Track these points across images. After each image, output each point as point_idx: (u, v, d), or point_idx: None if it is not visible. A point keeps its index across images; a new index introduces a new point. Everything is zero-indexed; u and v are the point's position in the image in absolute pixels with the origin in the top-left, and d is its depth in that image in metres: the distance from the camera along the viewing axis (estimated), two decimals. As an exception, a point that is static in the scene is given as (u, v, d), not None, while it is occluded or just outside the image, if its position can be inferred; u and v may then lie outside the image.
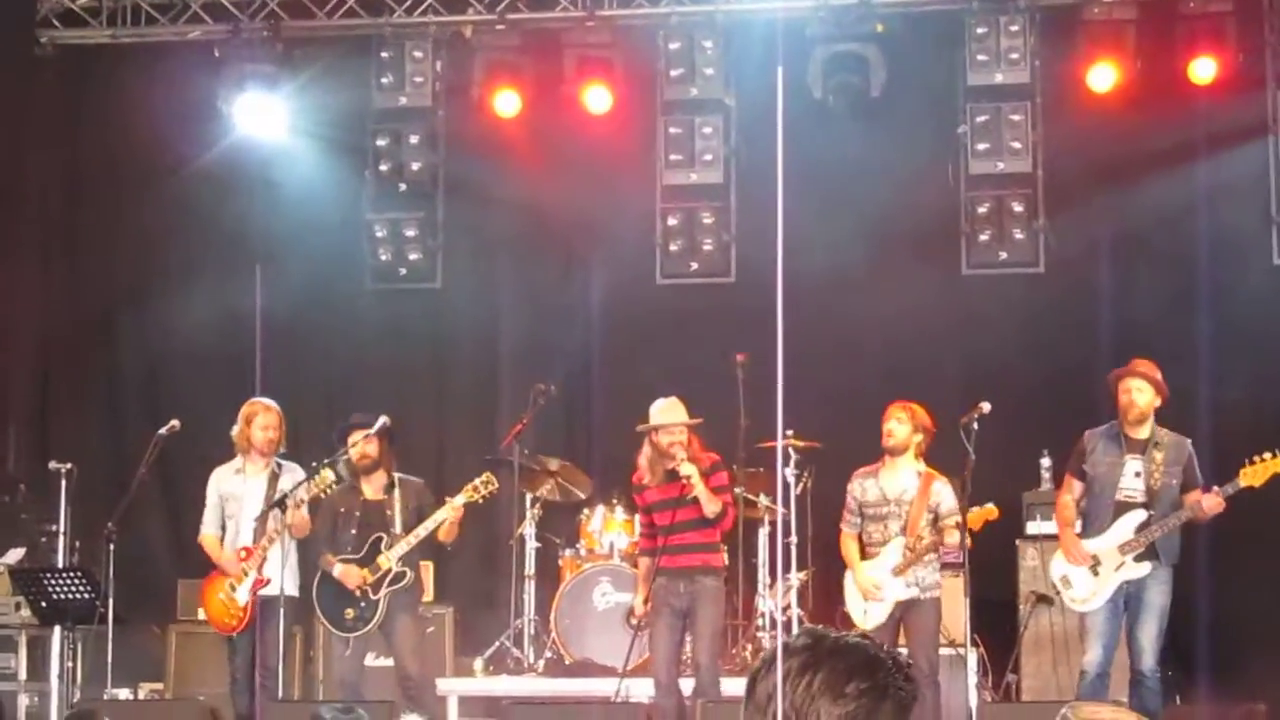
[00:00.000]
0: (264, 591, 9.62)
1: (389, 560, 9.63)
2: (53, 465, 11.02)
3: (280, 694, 9.67)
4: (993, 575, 10.76)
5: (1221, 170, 11.83)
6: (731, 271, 12.19)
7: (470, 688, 10.89)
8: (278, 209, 12.53)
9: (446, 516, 9.65)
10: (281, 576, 9.55)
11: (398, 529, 9.71)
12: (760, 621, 11.04)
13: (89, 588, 10.12)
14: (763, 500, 11.12)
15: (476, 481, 9.72)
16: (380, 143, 12.41)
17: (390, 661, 10.02)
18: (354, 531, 9.74)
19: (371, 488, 9.84)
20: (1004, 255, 11.83)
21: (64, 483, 10.86)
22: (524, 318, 13.02)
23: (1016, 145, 11.66)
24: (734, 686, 9.18)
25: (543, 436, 11.95)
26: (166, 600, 11.58)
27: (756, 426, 10.45)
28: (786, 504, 10.67)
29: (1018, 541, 11.10)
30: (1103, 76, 11.84)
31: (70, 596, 10.17)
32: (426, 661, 10.16)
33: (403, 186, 12.45)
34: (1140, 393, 9.16)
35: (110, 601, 10.00)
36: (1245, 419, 10.90)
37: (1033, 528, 11.12)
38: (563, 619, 10.93)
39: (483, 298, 13.03)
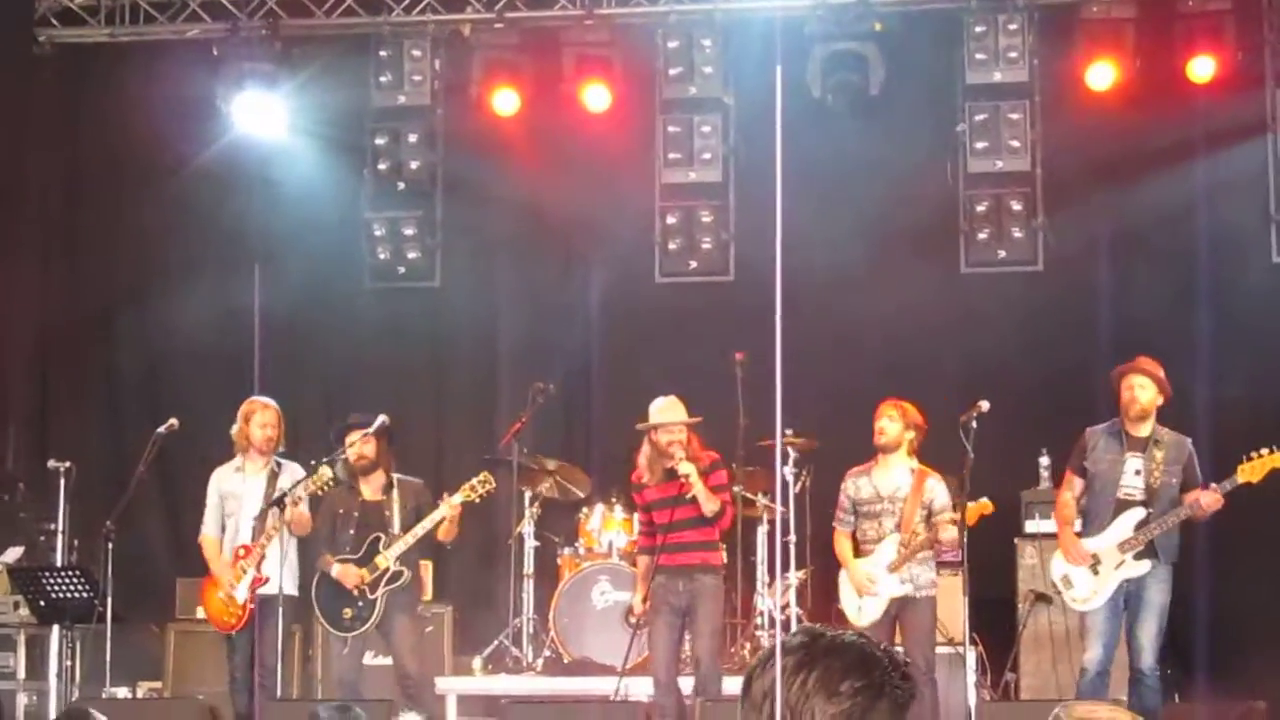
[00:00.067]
0: (263, 590, 9.61)
1: (386, 560, 9.63)
2: (51, 464, 11.02)
3: (279, 693, 9.68)
4: (991, 574, 10.77)
5: (1220, 169, 11.83)
6: (730, 270, 12.19)
7: (469, 686, 10.89)
8: (276, 208, 12.52)
9: (444, 515, 9.65)
10: (280, 575, 9.55)
11: (396, 529, 9.72)
12: (759, 620, 11.04)
13: (88, 586, 10.12)
14: (761, 499, 11.12)
15: (474, 481, 9.72)
16: (379, 141, 12.41)
17: (389, 660, 10.03)
18: (352, 532, 9.74)
19: (370, 488, 9.85)
20: (1003, 254, 11.83)
21: (63, 481, 10.85)
22: (523, 316, 13.02)
23: (1015, 144, 11.66)
24: (733, 685, 9.18)
25: (541, 435, 11.95)
26: (165, 599, 11.58)
27: (755, 425, 10.45)
28: (785, 503, 10.66)
29: (1016, 540, 11.10)
30: (1101, 75, 11.84)
31: (69, 595, 10.17)
32: (425, 660, 10.16)
33: (401, 185, 12.44)
34: (1143, 390, 9.16)
35: (109, 600, 10.00)
36: (1244, 416, 10.90)
37: (1031, 526, 11.13)
38: (561, 618, 10.93)
39: (481, 296, 13.03)
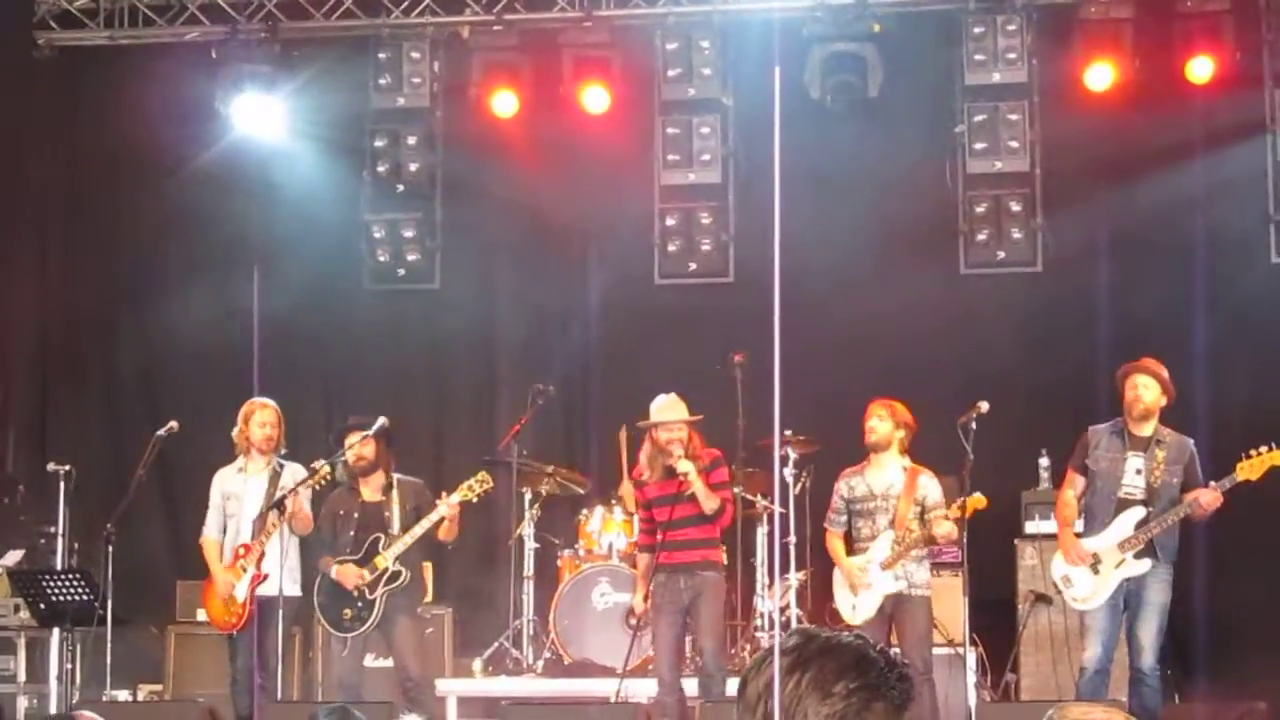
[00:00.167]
0: (263, 592, 9.61)
1: (385, 560, 9.64)
2: (51, 466, 11.03)
3: (279, 695, 9.68)
4: (991, 574, 10.78)
5: (1219, 169, 11.83)
6: (730, 271, 12.19)
7: (469, 688, 10.88)
8: (276, 210, 12.53)
9: (442, 515, 9.65)
10: (280, 577, 9.55)
11: (395, 529, 9.72)
12: (759, 622, 11.04)
13: (88, 589, 10.12)
14: (761, 500, 11.12)
15: (471, 481, 9.72)
16: (378, 143, 12.41)
17: (389, 662, 10.03)
18: (353, 533, 9.75)
19: (370, 489, 9.85)
20: (1002, 255, 11.84)
21: (63, 484, 10.87)
22: (522, 318, 13.03)
23: (1014, 144, 11.67)
24: (734, 687, 9.17)
25: (541, 436, 11.96)
26: (165, 601, 11.57)
27: (754, 426, 10.45)
28: (785, 504, 10.66)
29: (1016, 541, 11.10)
30: (1100, 76, 11.84)
31: (69, 598, 10.17)
32: (426, 662, 10.15)
33: (401, 187, 12.44)
34: (1146, 389, 9.17)
35: (109, 603, 10.01)
36: (1243, 416, 10.92)
37: (1031, 527, 11.13)
38: (561, 619, 10.93)
39: (481, 298, 13.03)
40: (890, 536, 9.38)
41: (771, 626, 10.71)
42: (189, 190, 12.58)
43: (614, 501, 11.36)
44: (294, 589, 9.79)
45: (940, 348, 11.85)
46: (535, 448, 11.68)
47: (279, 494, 9.61)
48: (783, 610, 10.56)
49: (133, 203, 12.94)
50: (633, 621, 10.13)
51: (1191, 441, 9.24)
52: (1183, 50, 11.75)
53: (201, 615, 10.57)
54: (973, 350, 11.71)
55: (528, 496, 11.44)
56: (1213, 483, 9.01)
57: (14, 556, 11.56)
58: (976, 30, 11.66)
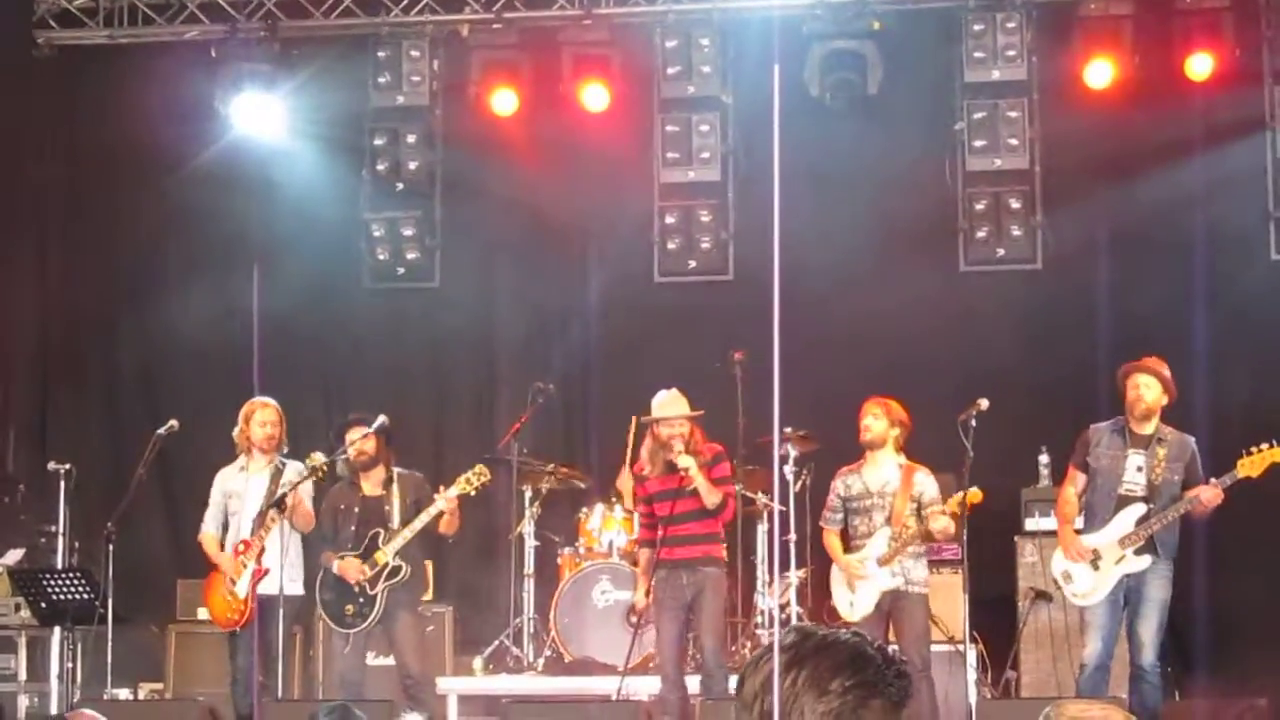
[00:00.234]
0: (264, 591, 9.62)
1: (385, 555, 9.64)
2: (51, 466, 11.04)
3: (280, 694, 9.68)
4: (991, 572, 10.79)
5: (1219, 166, 11.82)
6: (729, 269, 12.19)
7: (470, 686, 10.88)
8: (275, 208, 12.52)
9: (440, 509, 9.66)
10: (280, 575, 9.56)
11: (395, 523, 9.73)
12: (759, 619, 11.04)
13: (88, 588, 10.13)
14: (761, 498, 11.12)
15: (469, 474, 9.72)
16: (377, 142, 12.41)
17: (389, 660, 10.03)
18: (354, 528, 9.76)
19: (370, 483, 9.87)
20: (1002, 252, 11.84)
21: (63, 483, 10.87)
22: (522, 316, 13.03)
23: (1014, 142, 11.66)
24: (735, 684, 9.18)
25: (541, 435, 11.96)
26: (166, 600, 11.58)
27: (754, 424, 10.46)
28: (785, 501, 10.67)
29: (1016, 538, 11.10)
30: (1100, 73, 11.84)
31: (69, 597, 10.18)
32: (427, 660, 10.16)
33: (400, 185, 12.44)
34: (1148, 389, 9.18)
35: (109, 602, 10.01)
36: (1244, 413, 10.92)
37: (1031, 524, 11.12)
38: (562, 617, 10.93)
39: (481, 297, 13.03)
40: (887, 533, 9.41)
41: (772, 624, 10.71)
42: (189, 189, 12.58)
43: (613, 499, 11.36)
44: (295, 588, 9.79)
45: (940, 345, 11.85)
46: (535, 446, 11.69)
47: (280, 491, 9.62)
48: (783, 607, 10.56)
49: (132, 202, 12.94)
50: (634, 619, 10.13)
51: (1193, 440, 9.24)
52: (1182, 47, 11.74)
53: (202, 614, 10.58)
54: (972, 348, 11.71)
55: (528, 494, 11.45)
56: (1214, 479, 9.01)
57: (14, 555, 11.57)
58: (976, 27, 11.65)
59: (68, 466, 10.88)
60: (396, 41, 12.36)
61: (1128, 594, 9.13)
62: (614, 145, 12.44)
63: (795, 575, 10.78)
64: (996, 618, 10.81)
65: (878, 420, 9.52)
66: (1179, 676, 10.50)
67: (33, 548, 11.61)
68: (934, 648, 9.77)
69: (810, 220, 10.96)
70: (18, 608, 11.06)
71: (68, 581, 10.26)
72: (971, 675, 9.96)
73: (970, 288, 12.06)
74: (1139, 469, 9.16)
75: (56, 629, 10.64)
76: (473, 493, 9.77)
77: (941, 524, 9.33)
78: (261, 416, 9.93)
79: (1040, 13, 11.87)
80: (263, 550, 9.69)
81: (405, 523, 9.70)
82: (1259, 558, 11.04)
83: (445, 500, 9.65)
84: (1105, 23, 11.95)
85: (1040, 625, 10.87)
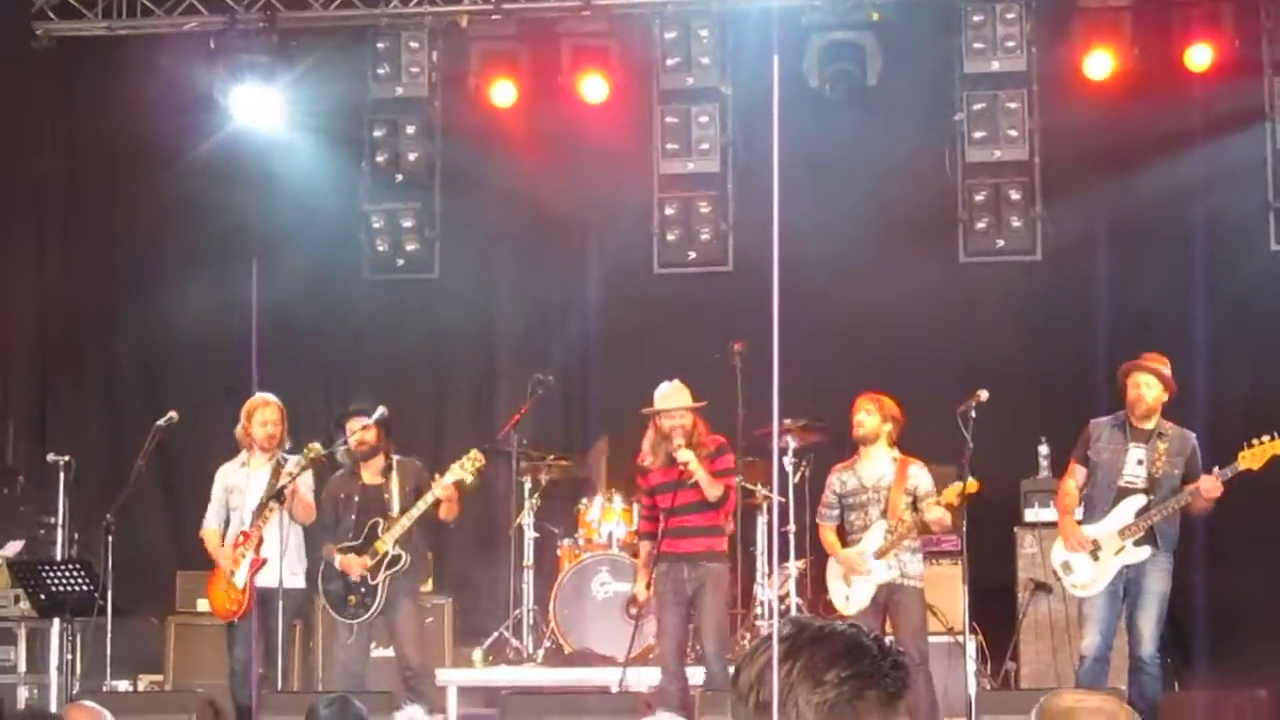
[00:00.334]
0: (263, 584, 9.62)
1: (385, 544, 9.65)
2: (51, 457, 11.03)
3: (280, 685, 9.68)
4: (991, 563, 10.79)
5: (1219, 157, 11.81)
6: (729, 260, 12.17)
7: (469, 678, 10.88)
8: (275, 200, 12.51)
9: (437, 497, 9.66)
10: (280, 567, 9.57)
11: (395, 511, 9.75)
12: (759, 610, 11.05)
13: (88, 580, 10.13)
14: (760, 489, 11.13)
15: (463, 459, 9.72)
16: (377, 133, 12.39)
17: (389, 652, 10.03)
18: (354, 517, 9.80)
19: (370, 472, 9.90)
20: (1001, 243, 11.82)
21: (62, 475, 10.86)
22: (522, 308, 13.03)
23: (1013, 133, 11.65)
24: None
25: (541, 426, 11.95)
26: (165, 592, 11.59)
27: (754, 415, 10.45)
28: (785, 492, 10.67)
29: (1016, 529, 11.10)
30: (1099, 64, 11.82)
31: (69, 588, 10.18)
32: (426, 651, 10.16)
33: (399, 177, 12.42)
34: (1149, 388, 9.20)
35: (109, 593, 10.02)
36: (1244, 404, 10.92)
37: (1031, 515, 11.11)
38: (561, 609, 10.94)
39: (480, 288, 13.03)
40: (883, 526, 9.43)
41: (771, 615, 10.71)
42: (188, 181, 12.56)
43: (613, 490, 11.35)
44: (295, 581, 9.80)
45: (939, 336, 11.85)
46: (535, 437, 11.68)
47: (280, 483, 9.63)
48: (782, 599, 10.57)
49: (131, 193, 12.92)
50: (634, 611, 10.13)
51: (1193, 435, 9.26)
52: (1182, 38, 11.73)
53: (202, 605, 10.60)
54: (972, 339, 11.71)
55: (527, 486, 11.44)
56: (1215, 470, 9.02)
57: (14, 547, 11.56)
58: (975, 18, 11.63)
59: (67, 458, 10.87)
60: (395, 33, 12.34)
61: (1127, 586, 9.14)
62: (613, 137, 12.42)
63: (795, 566, 10.78)
64: (996, 609, 10.81)
65: (870, 416, 9.54)
66: (1178, 668, 10.51)
67: (32, 539, 11.62)
68: (933, 639, 9.79)
69: (810, 211, 10.95)
70: (17, 599, 11.07)
71: (67, 573, 10.27)
72: (971, 666, 9.96)
73: (970, 279, 12.05)
74: (1139, 462, 9.17)
75: (56, 621, 10.64)
76: (468, 478, 9.76)
77: (937, 514, 9.35)
78: (263, 415, 9.94)
79: (1039, 4, 11.83)
80: (261, 540, 9.69)
81: (404, 510, 9.71)
82: (1259, 550, 11.04)
83: (441, 489, 9.66)
84: (1105, 14, 11.94)
85: (1040, 616, 10.87)
